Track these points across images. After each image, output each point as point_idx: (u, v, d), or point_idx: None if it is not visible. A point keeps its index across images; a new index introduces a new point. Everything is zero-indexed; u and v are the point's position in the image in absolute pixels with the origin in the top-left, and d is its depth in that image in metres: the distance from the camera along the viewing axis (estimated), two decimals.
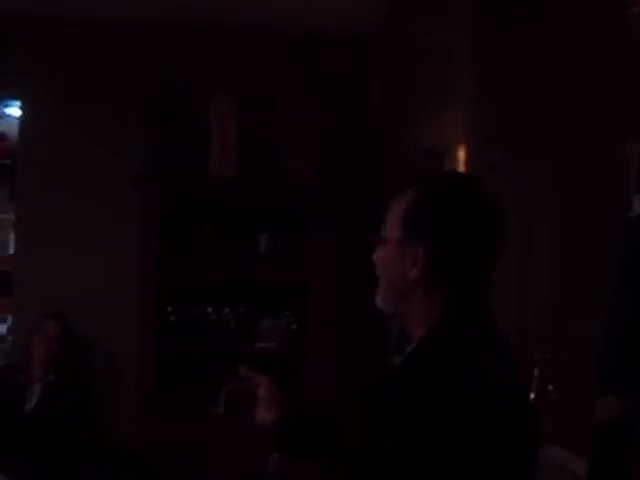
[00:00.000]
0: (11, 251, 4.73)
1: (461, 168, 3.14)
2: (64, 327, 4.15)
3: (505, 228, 1.47)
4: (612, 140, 2.30)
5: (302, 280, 4.36)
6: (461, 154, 3.19)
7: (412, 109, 3.89)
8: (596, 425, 1.85)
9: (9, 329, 5.12)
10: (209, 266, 4.36)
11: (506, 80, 2.87)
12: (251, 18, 4.41)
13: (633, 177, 2.11)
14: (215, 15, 4.39)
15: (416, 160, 3.44)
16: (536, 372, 2.48)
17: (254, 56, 4.56)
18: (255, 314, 4.48)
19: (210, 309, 4.45)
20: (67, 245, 4.50)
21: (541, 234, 2.73)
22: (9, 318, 5.08)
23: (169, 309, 4.38)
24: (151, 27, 4.51)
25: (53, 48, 4.53)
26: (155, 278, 4.22)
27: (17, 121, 4.70)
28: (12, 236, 4.76)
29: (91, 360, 4.35)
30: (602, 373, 1.88)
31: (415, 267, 1.44)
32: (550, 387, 2.52)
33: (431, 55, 3.52)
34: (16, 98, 4.71)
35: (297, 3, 4.22)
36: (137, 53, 4.55)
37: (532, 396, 2.41)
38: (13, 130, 4.88)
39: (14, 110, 4.81)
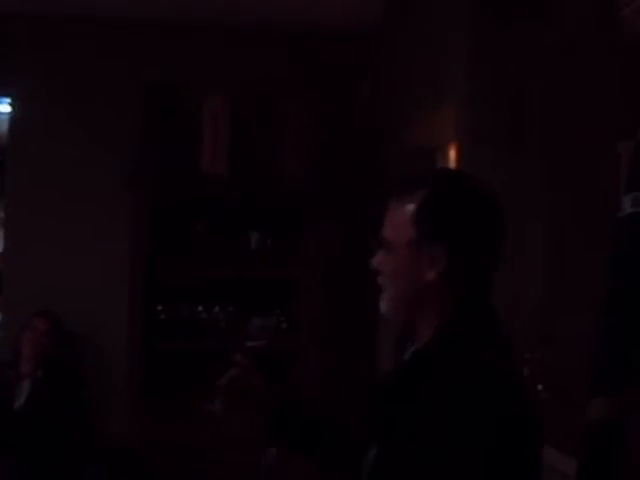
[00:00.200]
0: (0, 248, 4.71)
1: (452, 166, 3.14)
2: (53, 323, 4.13)
3: (506, 226, 1.45)
4: (605, 140, 2.30)
5: (292, 279, 4.36)
6: (452, 153, 3.20)
7: (406, 107, 3.89)
8: (587, 425, 1.85)
9: None
10: (199, 265, 4.35)
11: (503, 80, 2.87)
12: (250, 18, 4.39)
13: (623, 177, 2.11)
14: (214, 14, 4.36)
15: (409, 159, 3.44)
16: (526, 372, 2.48)
17: (251, 54, 4.52)
18: (245, 313, 4.46)
19: (200, 307, 4.43)
20: (57, 243, 4.48)
21: (533, 233, 2.73)
22: None
23: (159, 307, 4.36)
24: (149, 25, 4.48)
25: (48, 47, 4.49)
26: (146, 276, 4.21)
27: (7, 117, 4.67)
28: (1, 233, 4.73)
29: (81, 358, 4.33)
30: (594, 373, 1.88)
31: (432, 268, 1.38)
32: (540, 387, 2.52)
33: (429, 55, 3.52)
34: (6, 95, 4.68)
35: (297, 2, 4.20)
36: (134, 51, 4.51)
37: None
38: (2, 127, 4.85)
39: (3, 107, 4.78)
